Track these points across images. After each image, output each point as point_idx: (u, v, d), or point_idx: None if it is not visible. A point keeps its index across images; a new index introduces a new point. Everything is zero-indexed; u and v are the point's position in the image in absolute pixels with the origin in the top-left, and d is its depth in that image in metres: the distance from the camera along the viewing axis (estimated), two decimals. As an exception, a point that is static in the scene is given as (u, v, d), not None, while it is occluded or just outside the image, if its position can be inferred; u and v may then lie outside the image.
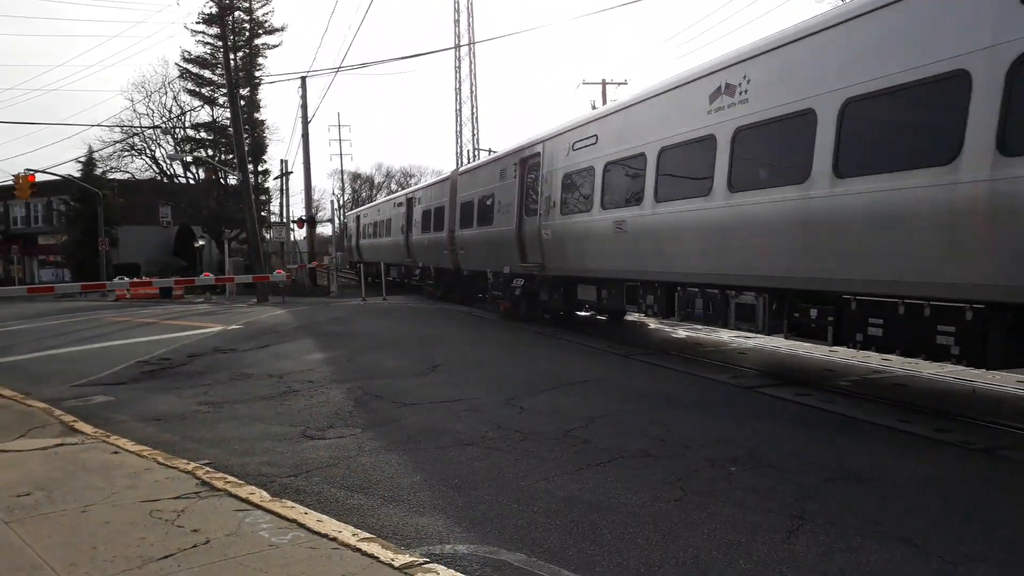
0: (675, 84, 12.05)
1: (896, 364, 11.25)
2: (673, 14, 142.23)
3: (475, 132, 60.85)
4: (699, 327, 13.43)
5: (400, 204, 32.17)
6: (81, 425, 8.72)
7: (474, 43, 58.74)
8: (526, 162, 17.83)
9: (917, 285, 7.89)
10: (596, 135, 14.54)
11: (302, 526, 5.22)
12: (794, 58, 9.52)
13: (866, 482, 6.25)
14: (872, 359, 11.75)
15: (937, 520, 5.38)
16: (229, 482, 6.30)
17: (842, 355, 12.41)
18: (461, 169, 25.47)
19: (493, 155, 25.05)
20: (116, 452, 7.45)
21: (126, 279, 36.05)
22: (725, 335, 15.21)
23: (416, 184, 56.83)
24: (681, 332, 16.59)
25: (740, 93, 10.37)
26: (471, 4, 59.30)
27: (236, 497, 5.90)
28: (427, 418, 8.92)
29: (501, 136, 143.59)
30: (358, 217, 45.50)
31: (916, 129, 8.05)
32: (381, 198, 59.03)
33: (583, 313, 19.05)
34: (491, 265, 20.49)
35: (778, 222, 9.61)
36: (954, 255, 7.41)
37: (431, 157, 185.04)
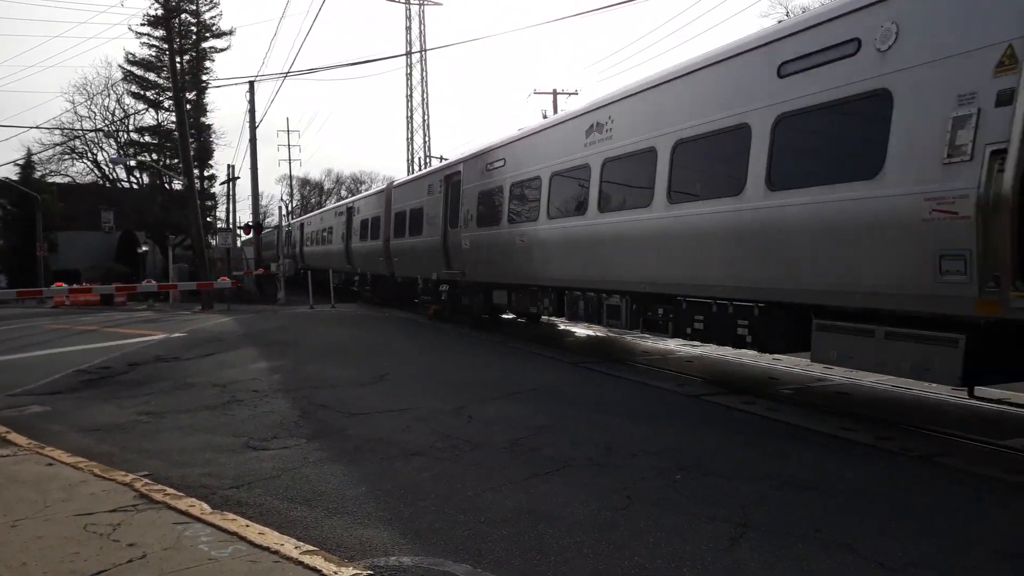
0: (562, 120, 14.32)
1: (837, 373, 11.46)
2: (623, 25, 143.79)
3: (426, 139, 60.97)
4: (625, 330, 14.73)
5: (341, 213, 33.57)
6: (14, 436, 8.46)
7: (425, 50, 58.46)
8: (450, 179, 19.56)
9: (723, 288, 9.83)
10: (504, 158, 16.44)
11: (243, 539, 5.11)
12: (643, 105, 11.52)
13: (809, 489, 6.33)
14: (814, 368, 11.96)
15: (879, 527, 5.47)
16: (168, 494, 6.15)
17: (785, 363, 12.62)
18: (396, 183, 26.75)
19: (424, 171, 27.19)
20: (51, 464, 7.23)
21: (65, 286, 35.11)
22: (672, 343, 15.36)
23: (364, 191, 56.62)
24: (601, 332, 16.72)
25: (607, 131, 12.36)
26: (423, 12, 58.82)
27: (175, 510, 5.76)
28: (374, 428, 8.82)
29: (455, 142, 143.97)
30: (302, 225, 45.44)
31: (722, 167, 9.78)
32: (330, 204, 58.62)
33: (506, 316, 20.29)
34: (421, 272, 22.15)
35: (633, 238, 11.54)
36: (743, 265, 9.30)
37: (383, 163, 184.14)
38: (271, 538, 5.14)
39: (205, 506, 5.87)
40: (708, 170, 10.21)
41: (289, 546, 4.99)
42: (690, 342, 13.58)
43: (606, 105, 12.48)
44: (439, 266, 20.04)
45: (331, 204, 57.40)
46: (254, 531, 5.28)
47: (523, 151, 15.56)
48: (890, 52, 7.31)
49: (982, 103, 6.42)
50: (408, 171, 59.10)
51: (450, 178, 19.44)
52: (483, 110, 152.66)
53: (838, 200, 7.83)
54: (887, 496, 6.19)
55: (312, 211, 63.29)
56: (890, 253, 7.29)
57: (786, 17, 39.75)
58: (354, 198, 36.35)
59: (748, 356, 13.34)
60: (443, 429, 8.65)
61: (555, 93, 47.88)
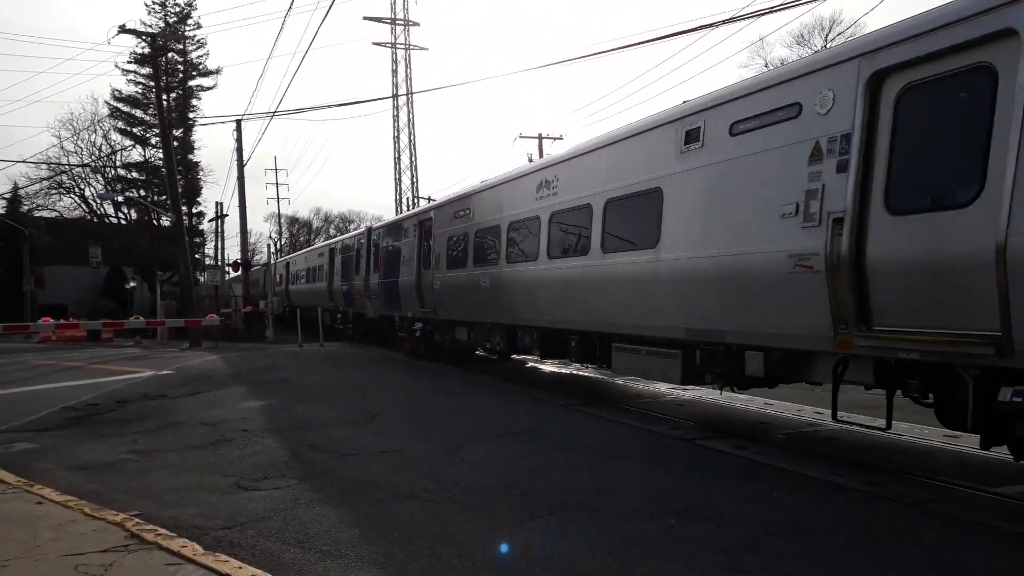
0: (518, 175, 15.59)
1: (827, 418, 11.49)
2: (609, 71, 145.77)
3: (414, 180, 60.90)
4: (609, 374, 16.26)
5: (322, 254, 34.92)
6: (2, 474, 8.39)
7: (412, 93, 59.01)
8: (423, 224, 20.77)
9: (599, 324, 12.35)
10: (469, 208, 17.64)
11: (237, 581, 5.08)
12: (581, 167, 12.94)
13: (802, 535, 6.35)
14: (805, 412, 12.01)
15: (870, 573, 5.48)
16: (160, 534, 6.11)
17: (775, 409, 12.65)
18: (375, 225, 28.06)
19: (400, 216, 28.42)
20: (40, 502, 7.17)
21: (52, 321, 34.90)
22: (662, 387, 15.39)
23: (352, 230, 56.82)
24: (586, 373, 16.73)
25: (553, 188, 13.67)
26: (408, 56, 59.37)
27: (167, 550, 5.72)
28: (365, 470, 8.79)
29: (444, 182, 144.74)
30: (288, 264, 45.64)
31: (640, 225, 11.09)
32: (318, 243, 58.81)
33: (480, 352, 20.77)
34: (397, 310, 23.21)
35: (565, 282, 13.15)
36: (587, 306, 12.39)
37: (371, 201, 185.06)
38: (265, 581, 5.11)
39: (197, 547, 5.83)
40: (630, 227, 11.58)
41: (284, 589, 4.96)
42: (552, 359, 16.68)
43: (553, 165, 14.09)
44: (414, 305, 21.07)
45: (318, 243, 57.62)
46: (247, 573, 5.26)
47: (485, 202, 16.87)
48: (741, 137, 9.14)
49: (825, 181, 7.81)
50: (396, 211, 59.44)
51: (423, 223, 20.71)
52: (471, 150, 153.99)
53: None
54: (878, 542, 6.21)
55: (300, 249, 63.47)
56: (767, 300, 8.74)
57: (765, 68, 40.74)
58: (337, 239, 37.62)
59: (740, 400, 13.38)
60: (435, 471, 8.63)
61: (540, 137, 48.36)
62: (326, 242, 40.70)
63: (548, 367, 19.79)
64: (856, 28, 39.88)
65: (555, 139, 48.38)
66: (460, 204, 18.34)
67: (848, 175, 7.55)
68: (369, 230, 27.35)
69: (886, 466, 8.75)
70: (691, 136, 10.02)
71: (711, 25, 19.23)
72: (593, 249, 12.19)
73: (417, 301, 20.69)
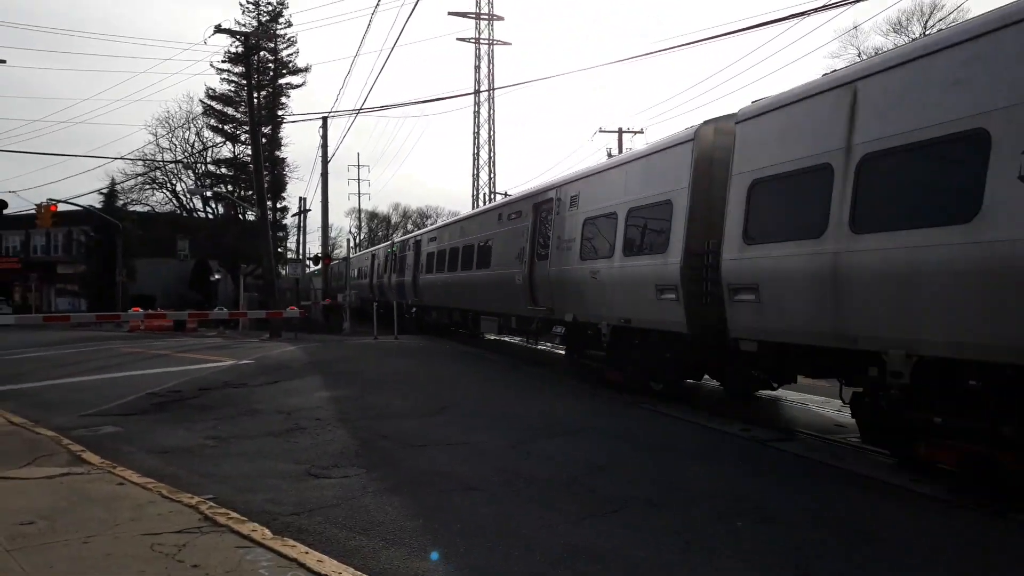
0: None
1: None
2: (693, 63, 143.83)
3: (491, 175, 61.07)
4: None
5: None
6: (88, 455, 8.75)
7: (493, 89, 59.11)
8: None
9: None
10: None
11: (302, 565, 5.19)
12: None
13: (874, 541, 6.16)
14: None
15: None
16: (232, 518, 6.29)
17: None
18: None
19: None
20: (121, 484, 7.46)
21: (141, 311, 36.25)
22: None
23: (430, 225, 57.24)
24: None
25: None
26: (492, 52, 59.44)
27: (238, 534, 5.88)
28: (433, 460, 8.89)
29: (521, 177, 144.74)
30: (372, 256, 45.87)
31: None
32: (397, 237, 59.41)
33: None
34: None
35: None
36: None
37: (448, 198, 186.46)
38: (329, 566, 5.21)
39: (267, 531, 5.99)
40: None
41: (347, 575, 5.05)
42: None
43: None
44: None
45: (399, 236, 58.18)
46: (313, 558, 5.36)
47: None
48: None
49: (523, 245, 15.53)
50: (473, 206, 59.63)
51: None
52: (549, 146, 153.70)
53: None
54: (956, 553, 5.98)
55: (378, 244, 64.25)
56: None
57: (858, 59, 38.97)
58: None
59: (814, 402, 13.06)
60: (501, 464, 8.66)
61: (620, 132, 47.91)
62: (411, 234, 40.85)
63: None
64: (959, 14, 37.59)
65: (635, 133, 47.87)
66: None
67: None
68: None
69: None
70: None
71: (803, 13, 18.53)
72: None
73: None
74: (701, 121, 12.07)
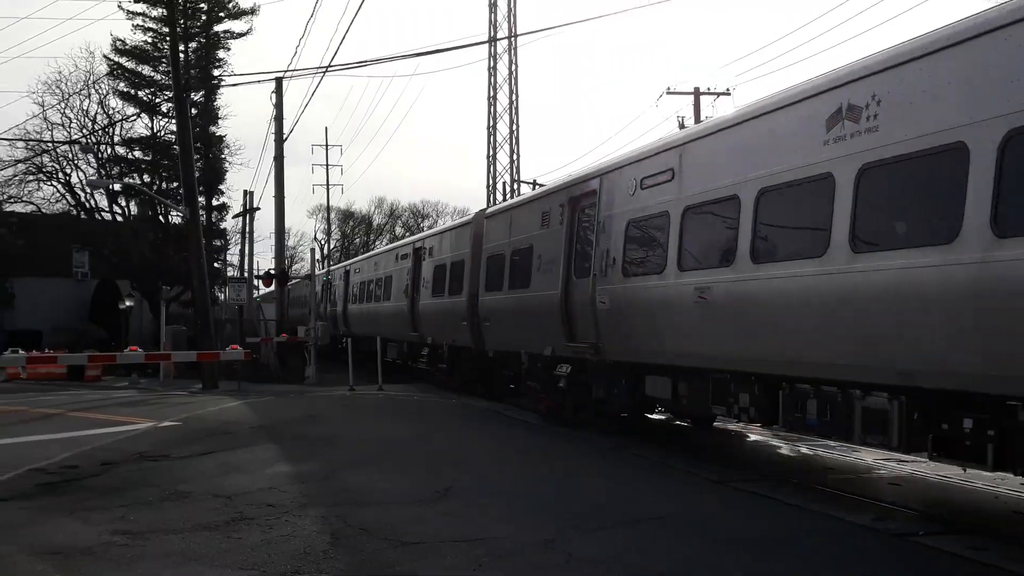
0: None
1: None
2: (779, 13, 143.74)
3: (514, 155, 60.25)
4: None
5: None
6: (-54, 559, 8.78)
7: (515, 35, 58.38)
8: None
9: None
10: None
11: None
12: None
13: None
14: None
15: None
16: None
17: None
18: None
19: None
20: (-7, 600, 7.49)
21: (21, 352, 36.59)
22: (867, 456, 15.02)
23: (428, 228, 57.06)
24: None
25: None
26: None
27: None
28: (435, 566, 8.90)
29: (551, 164, 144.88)
30: (346, 273, 45.94)
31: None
32: (380, 246, 59.44)
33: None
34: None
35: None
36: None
37: (450, 193, 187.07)
38: None
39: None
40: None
41: None
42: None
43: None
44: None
45: (383, 245, 58.16)
46: None
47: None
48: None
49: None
50: (488, 199, 59.29)
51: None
52: (593, 118, 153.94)
53: None
54: None
55: (358, 255, 64.33)
56: None
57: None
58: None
59: (979, 478, 12.96)
60: (531, 571, 8.65)
61: (697, 93, 47.68)
62: (407, 240, 40.82)
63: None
64: None
65: (719, 95, 47.59)
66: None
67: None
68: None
69: None
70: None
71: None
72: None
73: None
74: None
